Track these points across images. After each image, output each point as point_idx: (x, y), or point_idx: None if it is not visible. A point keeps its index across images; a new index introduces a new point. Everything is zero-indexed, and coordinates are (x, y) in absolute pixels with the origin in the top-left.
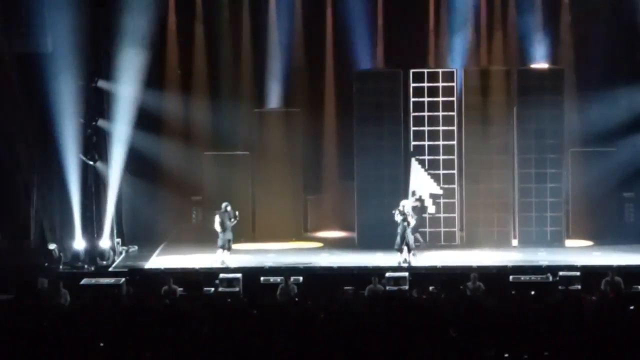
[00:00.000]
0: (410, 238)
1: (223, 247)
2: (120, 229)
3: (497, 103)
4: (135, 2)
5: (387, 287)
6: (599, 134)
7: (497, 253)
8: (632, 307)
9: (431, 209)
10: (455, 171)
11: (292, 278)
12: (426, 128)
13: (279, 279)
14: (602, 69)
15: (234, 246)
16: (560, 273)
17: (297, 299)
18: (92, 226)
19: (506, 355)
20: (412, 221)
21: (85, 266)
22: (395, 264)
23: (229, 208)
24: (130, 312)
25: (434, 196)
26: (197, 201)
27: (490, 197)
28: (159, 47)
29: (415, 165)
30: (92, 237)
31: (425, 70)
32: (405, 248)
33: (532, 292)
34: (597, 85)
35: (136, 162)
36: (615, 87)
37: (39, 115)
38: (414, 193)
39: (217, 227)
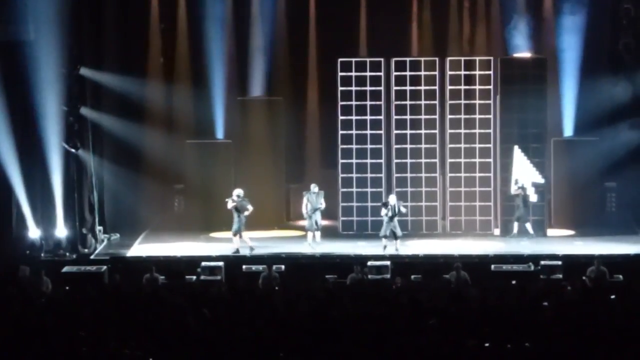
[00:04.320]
0: (398, 228)
1: (310, 229)
2: (102, 217)
3: (480, 92)
4: None
5: (370, 276)
6: (581, 123)
7: (479, 242)
8: (613, 297)
9: (533, 197)
10: (437, 160)
11: (274, 267)
12: (408, 117)
13: (261, 267)
14: (585, 58)
15: (217, 234)
16: (542, 262)
17: (277, 288)
18: (73, 214)
19: (487, 344)
20: (403, 210)
21: (67, 254)
22: (379, 253)
23: (316, 189)
24: (112, 299)
25: (536, 185)
26: (180, 189)
27: (472, 186)
28: (142, 35)
29: (518, 153)
30: (74, 225)
31: (408, 59)
32: (392, 236)
33: (514, 282)
34: (580, 74)
35: (118, 150)
36: (597, 77)
37: (21, 103)
38: (516, 181)
39: (304, 209)
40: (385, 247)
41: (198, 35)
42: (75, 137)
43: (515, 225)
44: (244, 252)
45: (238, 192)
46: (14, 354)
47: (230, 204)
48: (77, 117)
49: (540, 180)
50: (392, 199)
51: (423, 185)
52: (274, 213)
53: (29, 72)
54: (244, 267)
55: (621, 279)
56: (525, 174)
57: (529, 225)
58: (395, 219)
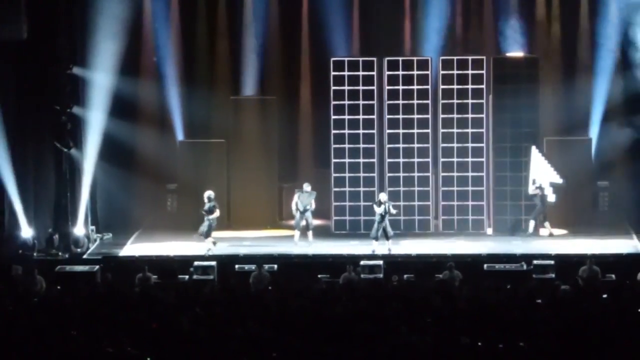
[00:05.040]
0: (389, 227)
1: (297, 228)
2: (94, 217)
3: (472, 91)
4: None
5: (362, 275)
6: (574, 122)
7: (472, 241)
8: (605, 296)
9: (551, 197)
10: (430, 159)
11: (265, 266)
12: (401, 116)
13: (253, 266)
14: (577, 58)
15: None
16: (535, 262)
17: (270, 287)
18: (66, 213)
19: (480, 344)
20: (393, 211)
21: (60, 253)
22: (369, 252)
23: (308, 188)
24: (104, 299)
25: (554, 185)
26: (172, 189)
27: (465, 186)
28: (135, 34)
29: (536, 154)
30: (67, 224)
31: (400, 59)
32: (383, 237)
33: (507, 284)
34: (572, 74)
35: (111, 150)
36: (590, 77)
37: (14, 102)
38: (534, 181)
39: (293, 206)
40: (374, 250)
41: (191, 34)
42: (68, 136)
43: (531, 224)
44: (205, 251)
45: (209, 194)
46: (7, 352)
47: (217, 213)
48: (70, 116)
49: (558, 180)
50: (383, 197)
51: (415, 185)
52: (267, 212)
53: (21, 71)
54: (236, 266)
55: (613, 278)
56: (543, 174)
57: (531, 224)
58: (386, 218)
